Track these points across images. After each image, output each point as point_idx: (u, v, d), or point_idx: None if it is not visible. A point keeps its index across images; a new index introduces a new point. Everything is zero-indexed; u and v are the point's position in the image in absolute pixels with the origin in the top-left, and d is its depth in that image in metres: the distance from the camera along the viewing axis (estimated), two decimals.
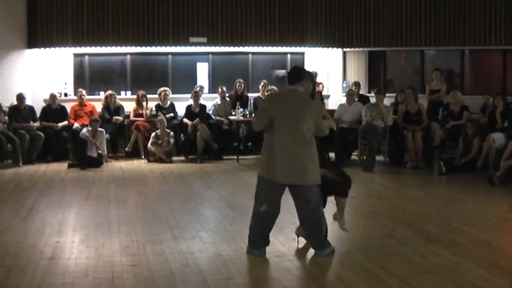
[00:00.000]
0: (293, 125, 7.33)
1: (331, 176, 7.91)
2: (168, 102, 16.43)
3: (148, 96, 16.33)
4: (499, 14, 16.42)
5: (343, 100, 16.47)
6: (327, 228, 7.72)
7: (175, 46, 17.11)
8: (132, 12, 16.60)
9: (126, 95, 17.14)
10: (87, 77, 17.42)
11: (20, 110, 15.39)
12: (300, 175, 7.36)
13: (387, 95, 15.41)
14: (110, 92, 16.31)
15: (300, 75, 7.68)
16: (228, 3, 17.02)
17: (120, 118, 16.13)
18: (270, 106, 7.67)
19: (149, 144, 15.40)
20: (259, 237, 7.69)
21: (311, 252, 7.73)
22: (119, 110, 16.29)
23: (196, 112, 15.95)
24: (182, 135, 16.05)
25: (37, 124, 15.49)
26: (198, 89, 16.58)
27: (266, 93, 16.42)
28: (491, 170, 13.17)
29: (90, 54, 17.30)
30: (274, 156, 7.36)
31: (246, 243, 7.87)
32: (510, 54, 17.09)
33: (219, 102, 16.56)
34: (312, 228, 7.68)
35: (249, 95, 16.88)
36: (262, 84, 16.83)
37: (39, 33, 16.37)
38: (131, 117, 16.31)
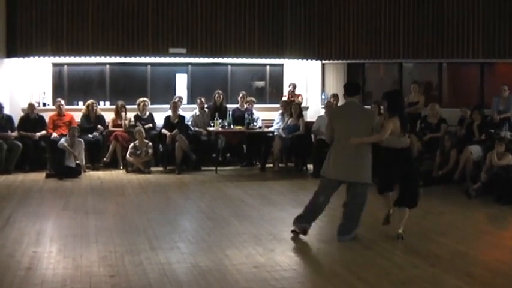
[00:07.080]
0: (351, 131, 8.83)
1: None
2: (147, 113, 16.38)
3: (127, 106, 16.27)
4: (476, 27, 16.53)
5: (322, 112, 16.51)
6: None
7: (155, 57, 17.01)
8: (111, 22, 16.50)
9: (104, 105, 16.98)
10: (66, 86, 17.30)
11: None
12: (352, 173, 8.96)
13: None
14: (91, 100, 16.22)
15: (357, 88, 9.35)
16: (207, 14, 16.97)
17: (101, 128, 16.06)
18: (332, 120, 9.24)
19: (127, 155, 15.35)
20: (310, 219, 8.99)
21: (288, 263, 7.76)
22: (99, 119, 16.23)
23: (175, 123, 15.93)
24: (161, 146, 15.99)
25: (15, 133, 15.40)
26: (177, 99, 16.53)
27: (245, 105, 16.47)
28: (468, 182, 13.27)
29: (69, 64, 17.19)
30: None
31: (224, 254, 7.93)
32: (488, 67, 17.24)
33: (197, 113, 16.54)
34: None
35: (228, 106, 16.82)
36: (241, 95, 16.84)
37: (18, 42, 16.22)
38: (110, 128, 16.22)
